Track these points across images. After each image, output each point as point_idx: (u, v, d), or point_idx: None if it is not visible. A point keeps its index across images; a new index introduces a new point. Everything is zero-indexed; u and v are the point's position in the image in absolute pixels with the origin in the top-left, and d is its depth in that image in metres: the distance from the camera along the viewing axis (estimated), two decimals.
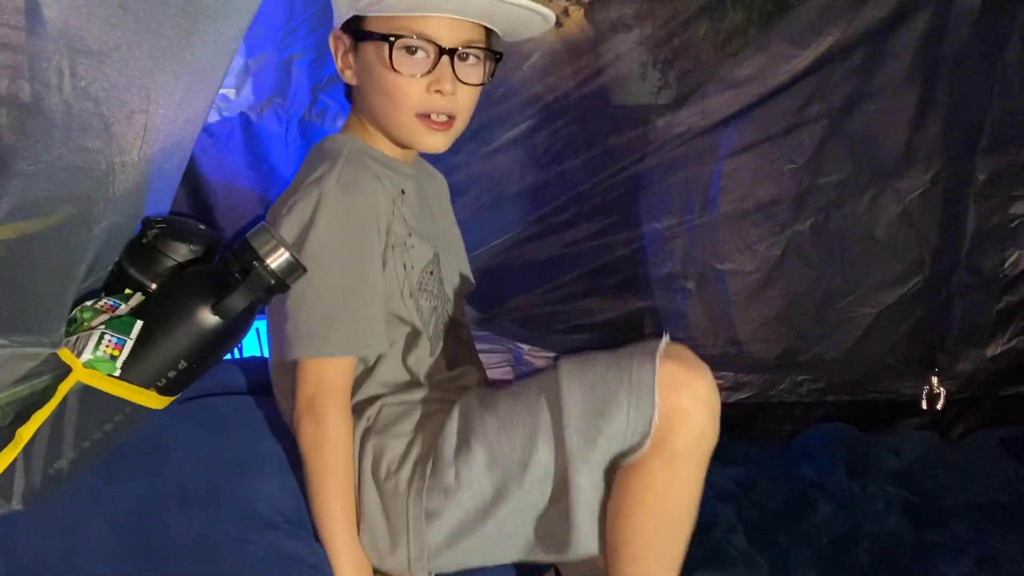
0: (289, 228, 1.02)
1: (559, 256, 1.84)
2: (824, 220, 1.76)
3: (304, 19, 1.42)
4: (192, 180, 1.65)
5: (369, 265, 1.04)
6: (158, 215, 1.08)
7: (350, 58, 1.09)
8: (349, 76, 1.10)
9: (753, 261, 1.80)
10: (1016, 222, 1.81)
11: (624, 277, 1.87)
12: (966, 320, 1.90)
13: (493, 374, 1.98)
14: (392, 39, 1.02)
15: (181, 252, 1.02)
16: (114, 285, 1.01)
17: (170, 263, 1.01)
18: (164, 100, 0.81)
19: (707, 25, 1.49)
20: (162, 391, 0.98)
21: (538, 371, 1.14)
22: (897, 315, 1.89)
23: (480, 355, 1.96)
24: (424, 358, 1.13)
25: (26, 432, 0.90)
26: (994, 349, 1.94)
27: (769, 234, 1.78)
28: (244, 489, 1.04)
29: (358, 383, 1.09)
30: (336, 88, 1.53)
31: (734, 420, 1.58)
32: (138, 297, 0.99)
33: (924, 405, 1.99)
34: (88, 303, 0.97)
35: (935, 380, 1.97)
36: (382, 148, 1.13)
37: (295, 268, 0.98)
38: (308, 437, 1.02)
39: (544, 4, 1.06)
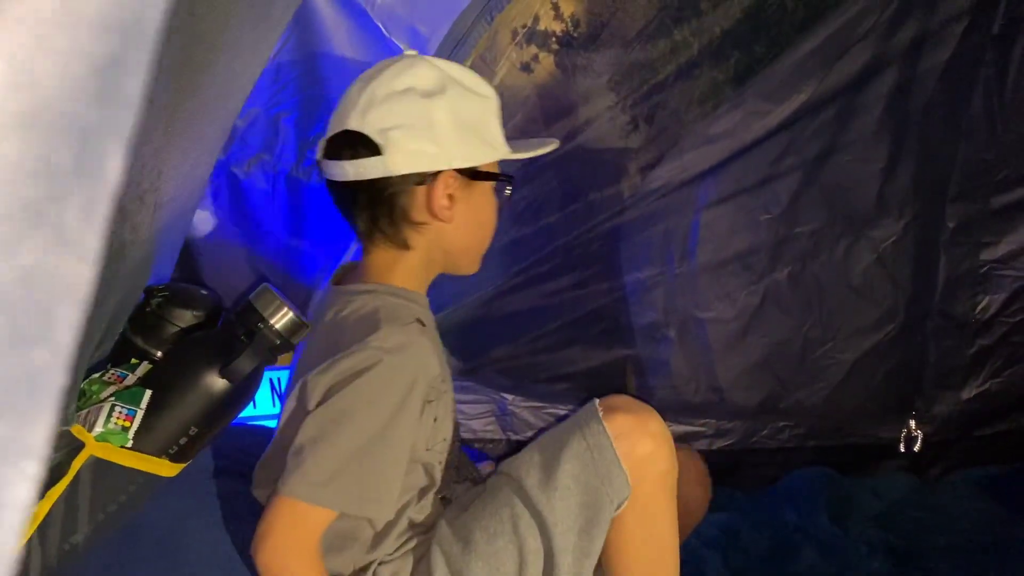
0: (328, 378, 0.96)
1: (541, 307, 1.86)
2: (801, 269, 1.80)
3: (290, 79, 1.45)
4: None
5: (401, 433, 0.98)
6: (160, 283, 1.09)
7: (455, 197, 1.07)
8: (446, 215, 1.07)
9: (732, 309, 1.83)
10: (986, 268, 1.86)
11: (606, 326, 1.90)
12: (941, 364, 1.94)
13: (475, 425, 1.99)
14: (511, 179, 1.11)
15: (185, 318, 1.03)
16: (120, 355, 1.02)
17: (174, 330, 1.02)
18: (173, 176, 0.82)
19: (683, 85, 1.54)
20: (174, 458, 0.98)
21: (494, 486, 1.14)
22: (874, 360, 1.92)
23: (463, 404, 1.98)
24: (427, 507, 1.11)
25: (41, 510, 0.89)
26: (969, 392, 1.99)
27: (747, 283, 1.81)
28: None
29: (354, 543, 1.05)
30: None
31: (718, 467, 1.59)
32: (144, 366, 0.99)
33: (902, 448, 2.02)
34: (96, 375, 0.97)
35: (912, 423, 2.01)
36: (407, 284, 1.10)
37: (299, 327, 0.99)
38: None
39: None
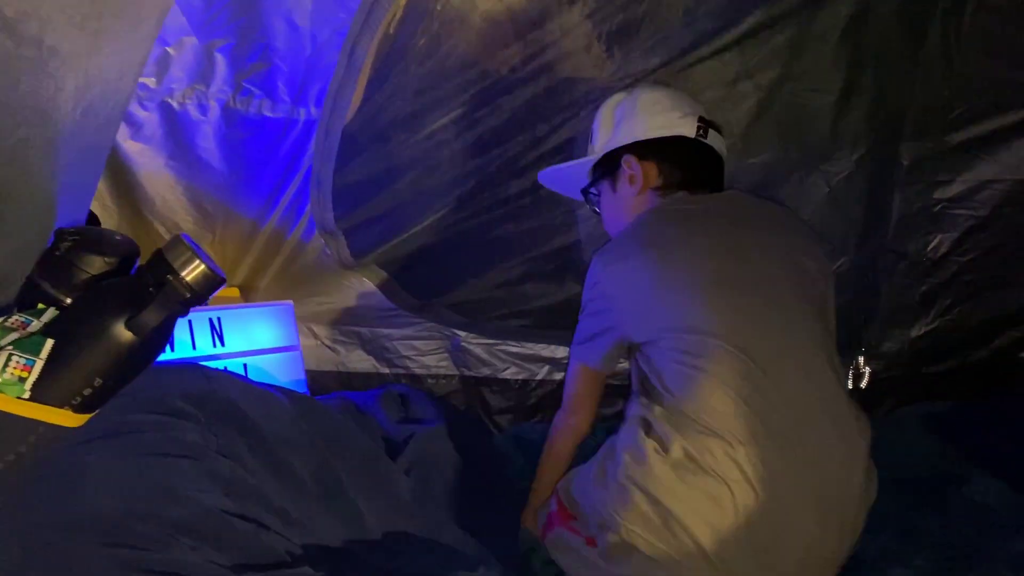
0: None
1: (496, 243, 1.83)
2: None
3: (224, 5, 1.37)
4: (116, 170, 1.60)
5: None
6: (73, 226, 1.04)
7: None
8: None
9: None
10: (939, 206, 1.85)
11: (561, 263, 1.88)
12: (891, 302, 1.95)
13: (428, 361, 1.98)
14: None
15: (96, 265, 0.99)
16: (27, 300, 0.98)
17: (84, 276, 0.98)
18: (76, 105, 0.78)
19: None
20: (78, 409, 0.95)
21: None
22: None
23: (416, 341, 1.97)
24: None
25: None
26: (918, 330, 2.00)
27: None
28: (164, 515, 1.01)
29: None
30: (261, 75, 1.49)
31: None
32: (51, 312, 0.96)
33: (850, 384, 2.04)
34: None
35: (861, 360, 2.02)
36: None
37: (211, 280, 0.96)
38: None
39: None
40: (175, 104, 1.50)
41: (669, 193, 1.41)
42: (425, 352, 1.97)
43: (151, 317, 0.94)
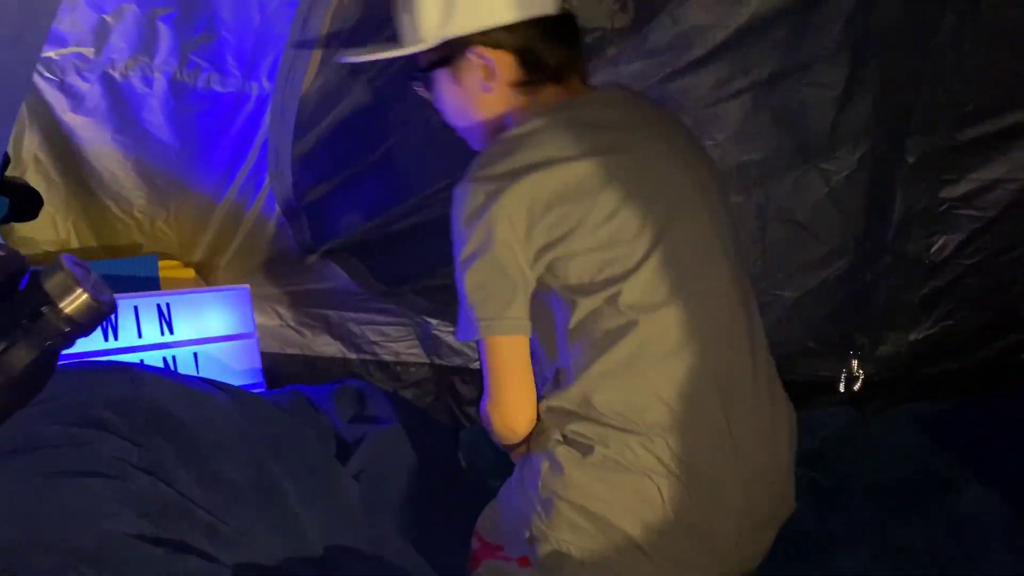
0: None
1: None
2: (744, 200, 1.66)
3: None
4: (59, 144, 1.50)
5: None
6: None
7: None
8: None
9: None
10: (944, 206, 1.73)
11: None
12: (890, 304, 1.84)
13: (398, 348, 1.89)
14: None
15: None
16: None
17: None
18: None
19: None
20: None
21: None
22: (818, 298, 1.82)
23: (385, 327, 1.88)
24: None
25: None
26: (917, 334, 1.90)
27: None
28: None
29: None
30: (209, 48, 1.37)
31: None
32: None
33: (842, 387, 1.94)
34: None
35: (854, 363, 1.92)
36: None
37: (97, 310, 0.85)
38: None
39: None
40: (117, 76, 1.40)
41: (533, 90, 1.09)
42: (395, 339, 1.88)
43: (20, 355, 0.82)
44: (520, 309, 1.02)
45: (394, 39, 1.12)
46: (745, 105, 1.54)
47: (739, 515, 1.09)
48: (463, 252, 1.01)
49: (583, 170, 1.00)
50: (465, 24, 1.05)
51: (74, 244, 1.66)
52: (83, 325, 0.87)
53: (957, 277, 1.81)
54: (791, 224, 1.71)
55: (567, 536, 1.07)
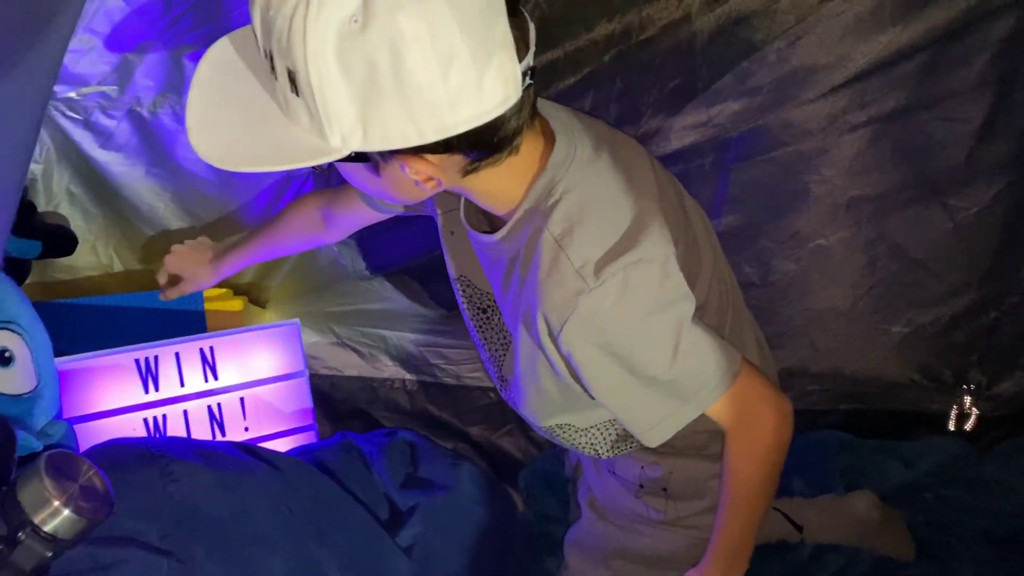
0: None
1: None
2: (854, 235, 1.46)
3: (184, 9, 1.10)
4: (92, 178, 1.39)
5: None
6: None
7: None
8: None
9: (762, 274, 1.52)
10: None
11: None
12: (1014, 344, 1.62)
13: (460, 371, 1.77)
14: None
15: None
16: None
17: None
18: None
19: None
20: None
21: None
22: (933, 335, 1.61)
23: (445, 350, 1.75)
24: None
25: None
26: None
27: (786, 247, 1.48)
28: None
29: None
30: None
31: None
32: None
33: (952, 424, 1.74)
34: None
35: (967, 399, 1.71)
36: None
37: (83, 524, 0.73)
38: None
39: None
40: (145, 113, 1.27)
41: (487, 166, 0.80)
42: (456, 361, 1.75)
43: None
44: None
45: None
46: (860, 140, 1.32)
47: None
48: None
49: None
50: (392, 138, 0.71)
51: (117, 268, 1.57)
52: (70, 541, 0.77)
53: None
54: (905, 260, 1.49)
55: None
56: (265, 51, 0.70)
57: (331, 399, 1.76)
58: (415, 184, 0.79)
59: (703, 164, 1.35)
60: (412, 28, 0.64)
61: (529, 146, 0.82)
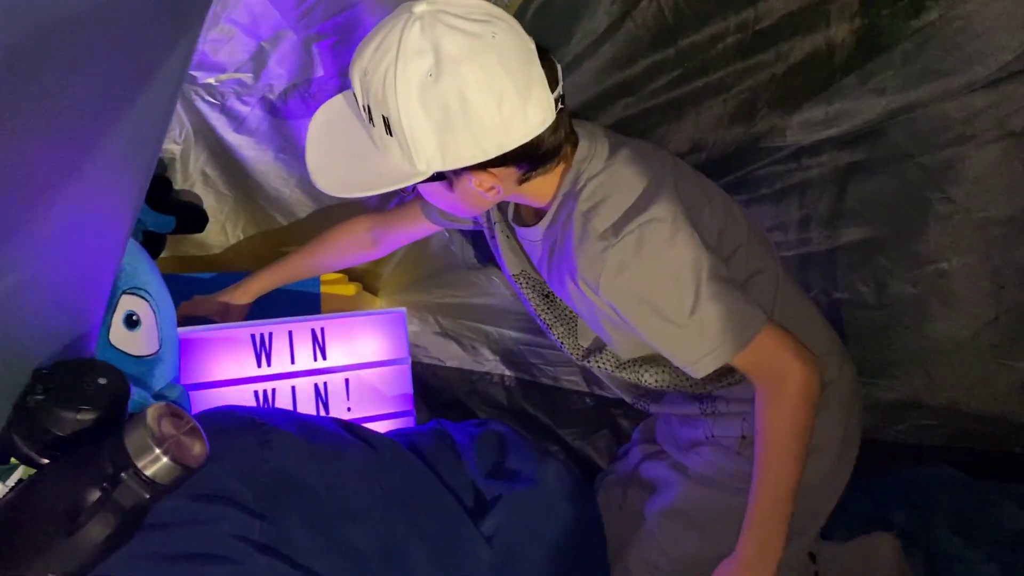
0: None
1: None
2: (982, 259, 1.38)
3: (316, 1, 1.16)
4: (225, 160, 1.48)
5: None
6: (52, 362, 0.88)
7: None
8: None
9: (877, 295, 1.46)
10: None
11: None
12: None
13: (558, 372, 1.78)
14: None
15: (67, 424, 0.83)
16: (2, 450, 0.85)
17: (56, 435, 0.83)
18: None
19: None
20: None
21: None
22: None
23: (544, 351, 1.76)
24: None
25: None
26: None
27: (902, 268, 1.42)
28: None
29: None
30: None
31: None
32: (21, 472, 0.82)
33: None
34: None
35: None
36: None
37: (180, 472, 0.78)
38: None
39: None
40: (275, 99, 1.34)
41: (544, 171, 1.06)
42: (554, 363, 1.77)
43: (96, 531, 0.78)
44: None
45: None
46: (992, 155, 1.25)
47: None
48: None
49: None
50: (464, 158, 0.97)
51: (244, 247, 1.66)
52: (166, 488, 0.82)
53: None
54: None
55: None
56: (363, 105, 0.95)
57: (431, 387, 1.80)
58: (480, 194, 1.03)
59: (822, 167, 1.32)
60: (472, 76, 0.89)
61: (569, 154, 1.06)
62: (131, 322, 1.23)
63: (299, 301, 1.57)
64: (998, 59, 1.14)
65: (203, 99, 1.34)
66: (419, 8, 0.90)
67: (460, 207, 1.09)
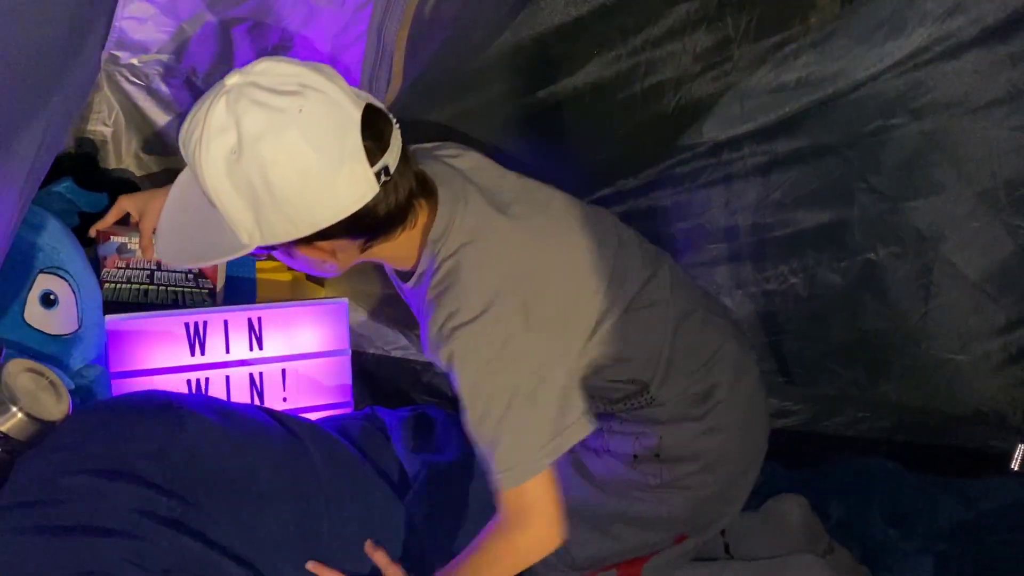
0: None
1: None
2: (906, 251, 1.38)
3: None
4: (156, 144, 1.47)
5: None
6: None
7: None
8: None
9: (808, 287, 1.46)
10: None
11: None
12: None
13: None
14: None
15: None
16: None
17: None
18: None
19: None
20: None
21: None
22: (1001, 365, 1.49)
23: None
24: None
25: None
26: None
27: (832, 259, 1.42)
28: None
29: None
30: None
31: (777, 448, 1.37)
32: None
33: (1015, 466, 1.62)
34: None
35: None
36: None
37: (36, 427, 0.79)
38: None
39: None
40: (199, 83, 1.33)
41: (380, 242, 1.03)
42: None
43: None
44: None
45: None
46: (910, 143, 1.25)
47: None
48: None
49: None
50: (280, 234, 0.95)
51: None
52: (21, 442, 0.82)
53: None
54: (967, 283, 1.39)
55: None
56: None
57: (376, 377, 1.79)
58: (322, 262, 1.02)
59: (744, 161, 1.32)
60: (271, 156, 0.87)
61: (419, 219, 1.04)
62: (48, 301, 1.23)
63: (233, 286, 1.56)
64: (906, 47, 1.15)
65: (128, 80, 1.33)
66: (231, 80, 0.88)
67: (309, 270, 1.09)
